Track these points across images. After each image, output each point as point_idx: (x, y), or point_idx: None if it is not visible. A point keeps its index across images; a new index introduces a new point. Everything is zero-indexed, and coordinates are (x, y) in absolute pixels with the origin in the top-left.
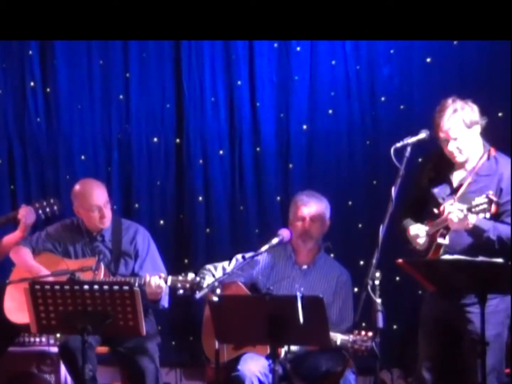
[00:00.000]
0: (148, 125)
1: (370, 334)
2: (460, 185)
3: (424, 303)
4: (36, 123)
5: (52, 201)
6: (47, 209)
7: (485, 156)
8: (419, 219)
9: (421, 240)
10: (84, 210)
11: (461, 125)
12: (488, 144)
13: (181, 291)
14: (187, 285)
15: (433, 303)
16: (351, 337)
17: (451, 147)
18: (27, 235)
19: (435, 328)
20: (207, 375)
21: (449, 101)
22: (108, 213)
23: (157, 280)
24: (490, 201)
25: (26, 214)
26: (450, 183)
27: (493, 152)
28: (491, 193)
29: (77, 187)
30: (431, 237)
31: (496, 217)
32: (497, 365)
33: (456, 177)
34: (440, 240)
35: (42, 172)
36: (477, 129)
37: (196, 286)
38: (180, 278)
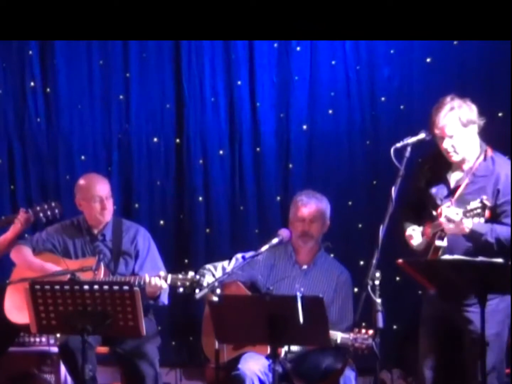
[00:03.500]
0: (148, 125)
1: (370, 332)
2: (457, 186)
3: (424, 302)
4: (36, 123)
5: (53, 204)
6: (48, 212)
7: (482, 156)
8: (419, 220)
9: (415, 242)
10: (85, 201)
11: (457, 123)
12: (485, 145)
13: (181, 289)
14: (187, 283)
15: (434, 302)
16: (351, 335)
17: (446, 144)
18: (28, 235)
19: (436, 327)
20: (206, 375)
21: (448, 98)
22: (109, 206)
23: (158, 281)
24: (483, 206)
25: (23, 220)
26: (447, 183)
27: (489, 152)
28: (485, 198)
29: (81, 179)
30: (430, 238)
31: (493, 218)
32: (497, 364)
33: (454, 177)
34: (438, 242)
35: (42, 172)
36: (474, 128)
37: (196, 284)
38: (180, 276)
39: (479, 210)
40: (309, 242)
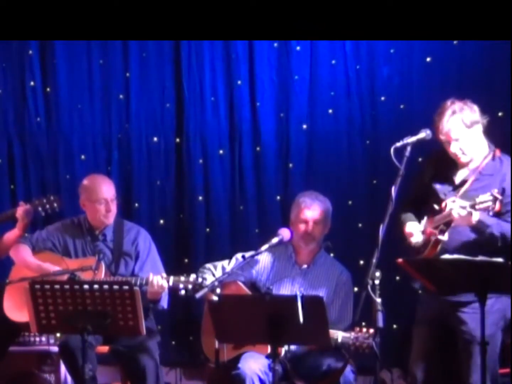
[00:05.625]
0: (148, 125)
1: (371, 331)
2: (462, 183)
3: (420, 303)
4: (36, 123)
5: (52, 198)
6: (47, 206)
7: (490, 156)
8: (418, 215)
9: (415, 239)
10: (90, 202)
11: (461, 126)
12: (493, 145)
13: (182, 292)
14: (189, 286)
15: (429, 304)
16: (352, 334)
17: (454, 148)
18: (28, 233)
19: (430, 328)
20: (206, 375)
21: (448, 103)
22: (113, 209)
23: (160, 280)
24: (494, 199)
25: (23, 213)
26: (452, 180)
27: (498, 153)
28: (495, 191)
29: (86, 180)
30: (430, 233)
31: (497, 217)
32: (490, 365)
33: (459, 175)
34: (440, 236)
35: (42, 172)
36: (479, 128)
37: (198, 286)
38: (182, 278)
39: (489, 203)
40: (311, 244)
